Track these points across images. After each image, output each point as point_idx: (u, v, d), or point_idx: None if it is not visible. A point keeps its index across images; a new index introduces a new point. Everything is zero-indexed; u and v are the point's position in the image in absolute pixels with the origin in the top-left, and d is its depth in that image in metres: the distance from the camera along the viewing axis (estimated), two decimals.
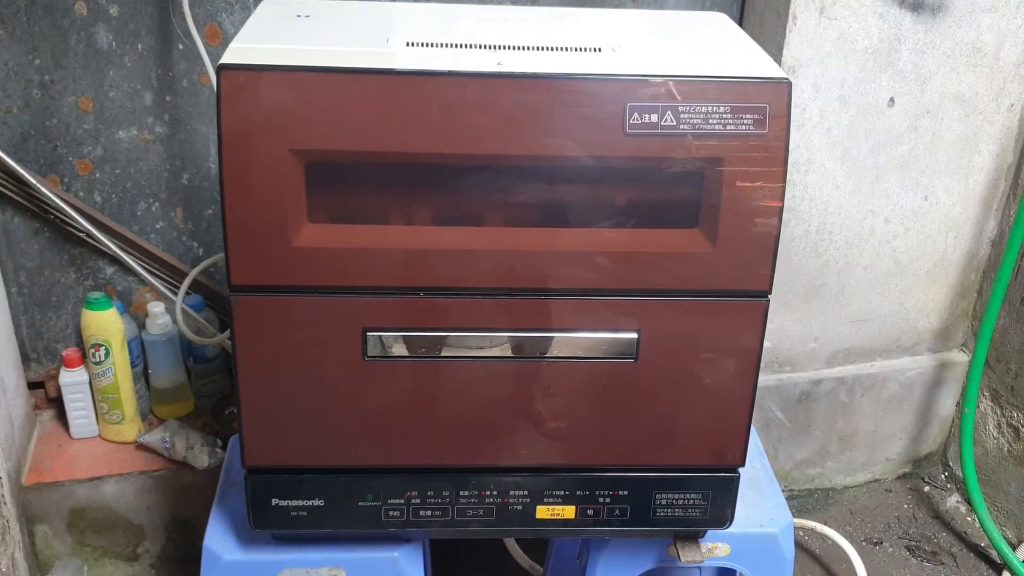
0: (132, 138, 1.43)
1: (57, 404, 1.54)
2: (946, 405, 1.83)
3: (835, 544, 1.59)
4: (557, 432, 0.99)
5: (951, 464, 1.86)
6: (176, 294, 1.46)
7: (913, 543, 1.70)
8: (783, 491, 1.77)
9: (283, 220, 0.89)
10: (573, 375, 0.97)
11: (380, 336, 0.94)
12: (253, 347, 0.94)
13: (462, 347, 0.95)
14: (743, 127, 0.89)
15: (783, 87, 0.89)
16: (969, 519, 1.75)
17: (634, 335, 0.95)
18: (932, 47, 1.50)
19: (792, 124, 1.47)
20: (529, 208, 0.92)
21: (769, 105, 0.89)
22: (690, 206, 0.92)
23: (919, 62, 1.51)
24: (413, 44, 0.93)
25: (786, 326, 1.66)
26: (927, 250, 1.67)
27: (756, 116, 0.89)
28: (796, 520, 1.65)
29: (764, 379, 1.69)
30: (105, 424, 1.50)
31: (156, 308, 1.49)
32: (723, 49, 0.99)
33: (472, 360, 0.95)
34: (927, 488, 1.84)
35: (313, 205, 0.90)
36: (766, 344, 1.65)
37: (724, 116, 0.89)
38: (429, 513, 1.02)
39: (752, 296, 0.95)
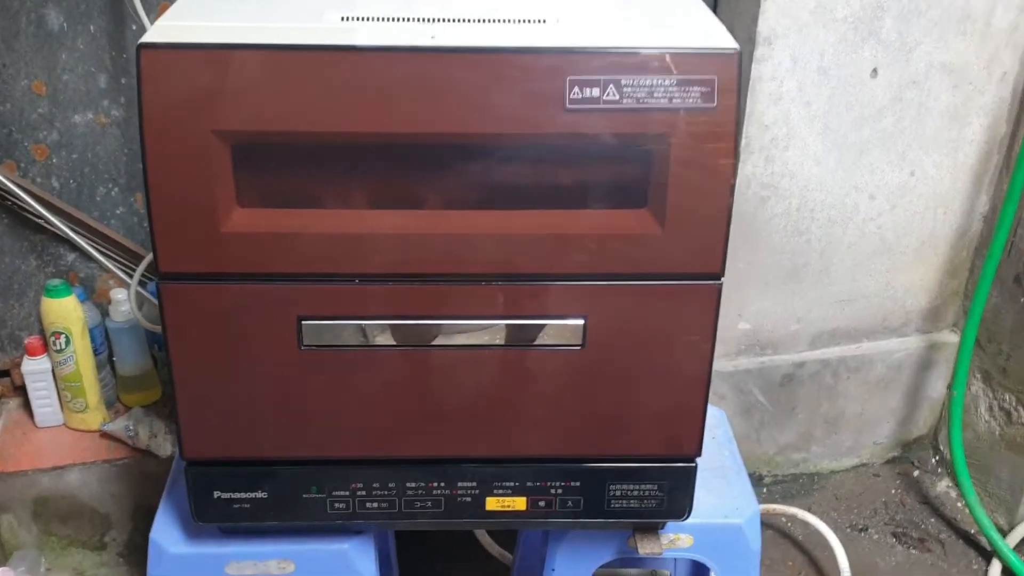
0: (88, 122, 1.39)
1: (23, 393, 1.52)
2: (936, 387, 1.78)
3: (817, 531, 1.55)
4: (504, 422, 0.96)
5: (942, 448, 1.81)
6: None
7: (900, 529, 1.66)
8: (766, 476, 1.75)
9: (211, 205, 0.86)
10: (518, 363, 0.93)
11: (316, 324, 0.90)
12: (185, 337, 0.91)
13: (400, 335, 0.91)
14: (690, 101, 0.84)
15: (732, 58, 0.84)
16: (959, 505, 1.71)
17: (581, 321, 0.91)
18: (918, 14, 1.44)
19: (769, 98, 1.44)
20: (467, 189, 0.88)
21: (717, 77, 0.84)
22: (637, 185, 0.88)
23: (904, 30, 1.45)
24: (348, 19, 0.89)
25: (767, 307, 1.62)
26: (915, 227, 1.62)
27: (704, 89, 0.84)
28: (778, 506, 1.61)
29: (745, 362, 1.64)
30: (69, 412, 1.47)
31: (119, 295, 1.46)
32: (674, 19, 0.94)
33: (412, 349, 0.92)
34: (916, 472, 1.79)
35: (242, 189, 0.86)
36: (746, 326, 1.63)
37: (670, 89, 0.84)
38: (376, 505, 0.99)
39: (704, 279, 0.90)
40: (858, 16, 1.42)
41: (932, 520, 1.68)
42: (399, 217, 0.88)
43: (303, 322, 0.90)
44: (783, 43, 1.41)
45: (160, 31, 0.85)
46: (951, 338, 1.75)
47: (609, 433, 0.96)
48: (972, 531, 1.65)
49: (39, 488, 1.42)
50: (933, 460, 1.81)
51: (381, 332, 0.91)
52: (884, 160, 1.55)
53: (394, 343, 0.91)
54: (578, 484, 0.99)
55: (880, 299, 1.67)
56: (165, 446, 1.42)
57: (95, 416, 1.47)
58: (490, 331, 0.92)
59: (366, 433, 0.96)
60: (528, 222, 0.88)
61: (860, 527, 1.66)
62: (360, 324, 0.91)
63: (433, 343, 0.91)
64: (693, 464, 0.99)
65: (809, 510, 1.62)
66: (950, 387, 1.76)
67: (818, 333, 1.67)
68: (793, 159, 1.49)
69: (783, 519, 1.64)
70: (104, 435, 1.46)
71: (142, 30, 1.33)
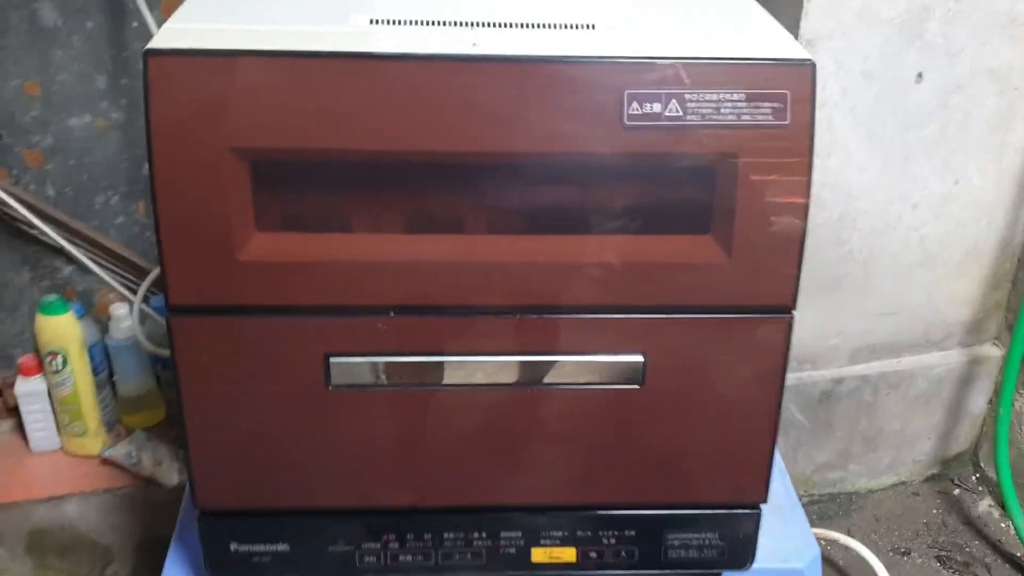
0: (86, 125, 1.30)
1: (16, 414, 1.42)
2: (978, 403, 1.69)
3: (860, 555, 1.47)
4: (553, 467, 0.87)
5: (983, 465, 1.73)
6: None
7: (944, 553, 1.58)
8: (803, 496, 1.66)
9: (227, 230, 0.76)
10: (569, 404, 0.84)
11: (345, 362, 0.81)
12: (199, 376, 0.82)
13: (439, 374, 0.82)
14: (760, 117, 0.75)
15: (806, 70, 0.75)
16: (1003, 525, 1.63)
17: (639, 358, 0.82)
18: (963, 17, 1.35)
19: None
20: (514, 213, 0.80)
21: (790, 91, 0.75)
22: (701, 209, 0.79)
23: (949, 33, 1.36)
24: (377, 22, 0.80)
25: (806, 321, 1.53)
26: (958, 237, 1.53)
27: (775, 104, 0.75)
28: (819, 530, 1.53)
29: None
30: (67, 437, 1.38)
31: (120, 310, 1.37)
32: (736, 25, 0.85)
33: (451, 389, 0.83)
34: (957, 491, 1.71)
35: (261, 211, 0.77)
36: None
37: (738, 105, 0.75)
38: (410, 558, 0.90)
39: (774, 312, 0.82)
40: (904, 18, 1.33)
41: (976, 543, 1.60)
42: (439, 243, 0.79)
43: (331, 359, 0.81)
44: (826, 46, 1.32)
45: (169, 35, 0.75)
46: (993, 352, 1.67)
47: (668, 479, 0.88)
48: (1018, 554, 1.58)
49: (34, 519, 1.33)
50: (974, 478, 1.73)
51: (416, 370, 0.82)
52: (928, 168, 1.46)
53: (432, 382, 0.83)
54: (633, 533, 0.90)
55: (922, 311, 1.58)
56: (171, 474, 1.33)
57: (95, 441, 1.38)
58: (539, 368, 0.83)
59: (400, 480, 0.87)
60: (583, 249, 0.79)
61: (902, 550, 1.58)
62: (394, 362, 0.82)
63: (476, 381, 0.83)
64: (758, 511, 0.91)
65: (848, 532, 1.54)
66: (992, 403, 1.68)
67: (857, 348, 1.58)
68: (835, 167, 1.41)
69: (823, 543, 1.56)
70: (105, 461, 1.37)
71: (144, 27, 1.24)
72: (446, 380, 0.82)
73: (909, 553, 1.58)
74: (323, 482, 0.87)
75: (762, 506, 0.92)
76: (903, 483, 1.72)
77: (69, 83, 1.26)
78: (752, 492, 0.89)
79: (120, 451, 1.35)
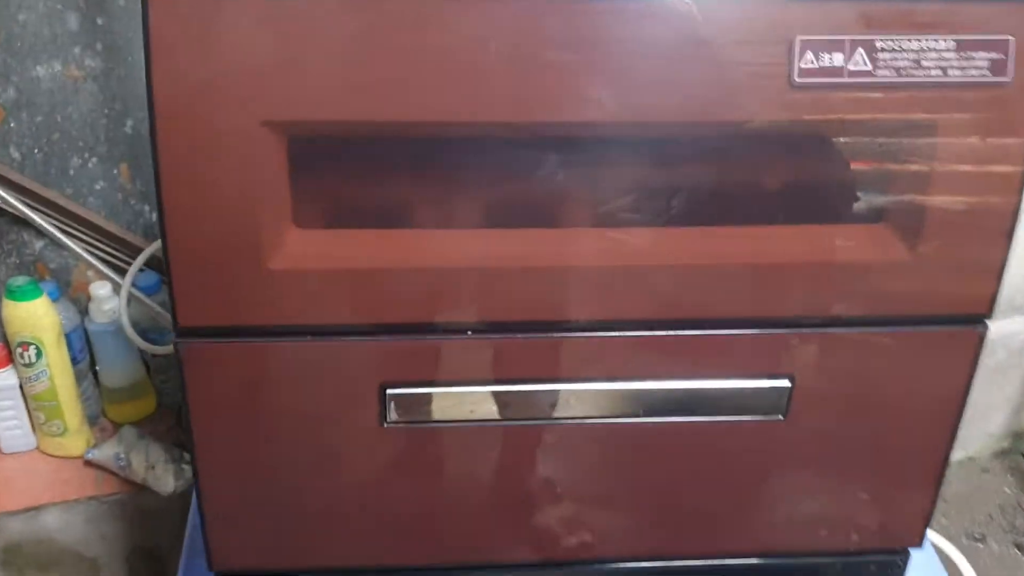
0: (55, 75, 1.08)
1: None
2: None
3: (935, 545, 1.32)
4: (665, 515, 0.70)
5: None
6: (123, 273, 1.13)
7: (1022, 538, 1.44)
8: None
9: (255, 229, 0.57)
10: (694, 440, 0.66)
11: (406, 395, 0.63)
12: (215, 415, 0.63)
13: (525, 407, 0.64)
14: (973, 72, 0.56)
15: None
16: None
17: (785, 383, 0.64)
18: None
19: None
20: (633, 201, 0.60)
21: (1013, 38, 0.56)
22: (876, 191, 0.60)
23: None
24: None
25: None
26: None
27: (994, 56, 0.56)
28: None
29: None
30: (44, 436, 1.19)
31: (101, 290, 1.17)
32: None
33: (540, 424, 0.65)
34: None
35: (301, 204, 0.58)
36: None
37: (945, 55, 0.56)
38: None
39: (963, 322, 0.64)
40: None
41: None
42: (533, 240, 0.60)
43: (388, 391, 0.62)
44: None
45: None
46: None
47: (804, 524, 0.71)
48: None
49: (8, 533, 1.15)
50: None
51: (497, 403, 0.64)
52: None
53: (516, 416, 0.64)
54: None
55: (1008, 275, 1.41)
56: (166, 480, 1.14)
57: (76, 440, 1.19)
58: (660, 397, 0.64)
59: (469, 533, 0.69)
60: (717, 246, 0.61)
61: (977, 536, 1.44)
62: (471, 392, 0.63)
63: (577, 415, 0.64)
64: (906, 554, 0.74)
65: None
66: None
67: None
68: None
69: None
70: (89, 463, 1.18)
71: None
72: (534, 414, 0.64)
73: (984, 539, 1.44)
74: (372, 538, 0.69)
75: None
76: (971, 459, 1.58)
77: (33, 24, 1.04)
78: (906, 536, 0.72)
79: (107, 452, 1.16)
